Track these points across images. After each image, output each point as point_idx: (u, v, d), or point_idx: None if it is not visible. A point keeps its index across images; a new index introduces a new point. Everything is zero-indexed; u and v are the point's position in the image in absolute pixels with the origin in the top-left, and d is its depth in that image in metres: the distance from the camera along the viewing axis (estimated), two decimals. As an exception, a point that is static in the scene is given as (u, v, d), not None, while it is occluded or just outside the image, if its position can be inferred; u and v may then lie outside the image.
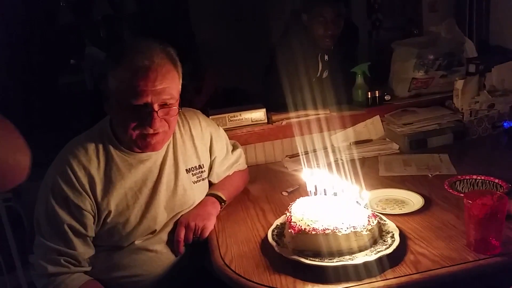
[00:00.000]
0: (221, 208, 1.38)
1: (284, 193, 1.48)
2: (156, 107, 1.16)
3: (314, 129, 1.81)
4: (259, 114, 1.83)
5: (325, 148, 1.81)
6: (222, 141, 1.47)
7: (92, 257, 1.23)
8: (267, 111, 1.84)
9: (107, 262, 1.25)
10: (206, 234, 1.27)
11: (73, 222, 1.17)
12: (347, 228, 1.01)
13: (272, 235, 1.14)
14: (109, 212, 1.21)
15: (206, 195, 1.39)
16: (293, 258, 1.01)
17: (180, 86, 1.24)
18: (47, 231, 1.17)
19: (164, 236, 1.28)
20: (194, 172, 1.36)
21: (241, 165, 1.55)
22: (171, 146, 1.33)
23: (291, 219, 1.08)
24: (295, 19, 2.16)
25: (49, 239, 1.17)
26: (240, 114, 1.81)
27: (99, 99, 1.26)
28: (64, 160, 1.20)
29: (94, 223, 1.21)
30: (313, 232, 1.01)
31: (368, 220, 1.05)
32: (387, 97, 1.91)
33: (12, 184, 0.50)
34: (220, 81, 2.62)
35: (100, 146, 1.24)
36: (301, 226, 1.04)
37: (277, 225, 1.19)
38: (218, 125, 1.53)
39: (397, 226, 1.11)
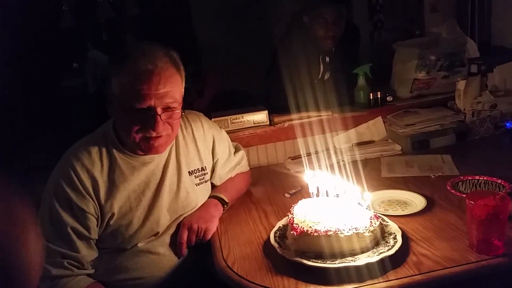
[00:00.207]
0: (223, 210, 1.38)
1: (287, 195, 1.48)
2: (159, 110, 1.17)
3: (316, 131, 1.81)
4: (261, 116, 1.83)
5: (327, 150, 1.81)
6: (224, 143, 1.48)
7: (95, 259, 1.24)
8: (269, 113, 1.84)
9: (110, 264, 1.25)
10: (209, 236, 1.27)
11: (77, 225, 1.18)
12: (349, 229, 1.01)
13: (274, 237, 1.14)
14: (113, 214, 1.21)
15: (209, 197, 1.40)
16: (295, 260, 1.01)
17: (183, 90, 1.25)
18: (50, 233, 1.18)
19: (167, 238, 1.29)
20: (196, 175, 1.37)
21: (244, 167, 1.56)
22: (173, 148, 1.33)
23: (293, 221, 1.08)
24: (296, 21, 2.16)
25: (53, 241, 1.17)
26: (242, 116, 1.81)
27: (101, 102, 1.27)
28: (68, 163, 1.21)
29: (97, 226, 1.21)
30: (315, 234, 1.02)
31: (370, 222, 1.05)
32: (389, 98, 1.91)
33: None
34: (222, 84, 2.63)
35: (103, 149, 1.24)
36: (303, 227, 1.04)
37: (280, 226, 1.19)
38: (220, 127, 1.54)
39: (400, 227, 1.11)
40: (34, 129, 2.63)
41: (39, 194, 1.24)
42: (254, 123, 1.83)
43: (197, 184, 1.36)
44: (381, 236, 1.08)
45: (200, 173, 1.37)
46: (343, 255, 1.00)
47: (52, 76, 3.10)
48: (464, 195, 1.22)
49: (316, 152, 1.80)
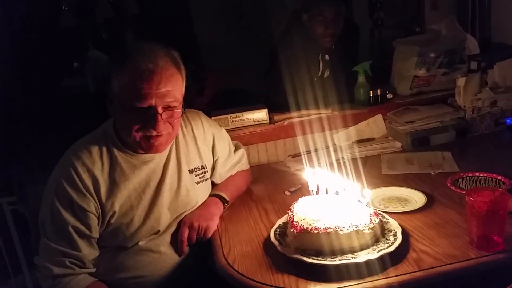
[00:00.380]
0: (224, 208, 1.39)
1: (287, 193, 1.48)
2: (160, 109, 1.17)
3: (316, 129, 1.81)
4: (261, 115, 1.84)
5: (327, 147, 1.81)
6: (224, 142, 1.48)
7: (96, 258, 1.24)
8: (269, 111, 1.84)
9: (112, 263, 1.26)
10: (210, 234, 1.28)
11: (78, 224, 1.18)
12: (349, 226, 1.01)
13: (275, 234, 1.14)
14: (114, 213, 1.22)
15: (209, 196, 1.40)
16: (296, 257, 1.02)
17: (183, 89, 1.25)
18: (51, 233, 1.19)
19: (167, 237, 1.29)
20: (197, 173, 1.37)
21: (244, 165, 1.56)
22: (173, 147, 1.34)
23: (293, 219, 1.09)
24: (295, 19, 2.17)
25: (54, 240, 1.18)
26: (242, 115, 1.81)
27: (101, 102, 1.27)
28: (68, 162, 1.21)
29: (98, 225, 1.22)
30: (315, 231, 1.02)
31: (370, 219, 1.05)
32: (389, 96, 1.91)
33: None
34: (221, 82, 2.63)
35: (104, 148, 1.25)
36: (303, 225, 1.04)
37: (280, 224, 1.19)
38: (220, 126, 1.54)
39: (400, 224, 1.12)
40: (35, 129, 2.64)
41: (39, 194, 1.24)
42: (254, 122, 1.83)
43: (198, 183, 1.36)
44: (381, 233, 1.08)
45: (200, 171, 1.38)
46: (343, 252, 1.00)
47: (53, 76, 3.10)
48: (464, 192, 1.23)
49: (316, 150, 1.80)
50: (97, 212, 1.21)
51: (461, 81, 1.78)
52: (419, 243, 1.07)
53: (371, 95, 1.88)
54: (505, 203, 0.98)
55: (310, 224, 1.04)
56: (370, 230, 1.03)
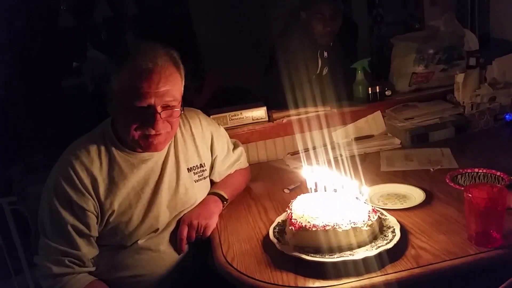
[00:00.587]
0: (223, 206, 1.39)
1: (286, 191, 1.48)
2: (159, 109, 1.17)
3: (315, 126, 1.81)
4: (260, 113, 1.84)
5: (326, 145, 1.81)
6: (223, 140, 1.48)
7: (96, 257, 1.24)
8: (267, 109, 1.84)
9: (111, 262, 1.26)
10: (209, 232, 1.28)
11: (77, 223, 1.18)
12: (347, 224, 1.01)
13: (274, 232, 1.14)
14: (112, 212, 1.22)
15: (208, 194, 1.40)
16: (294, 255, 1.02)
17: (182, 88, 1.25)
18: (51, 232, 1.19)
19: (167, 235, 1.30)
20: (195, 171, 1.37)
21: (243, 163, 1.56)
22: (172, 145, 1.34)
23: (292, 216, 1.09)
24: (294, 17, 2.16)
25: (53, 240, 1.18)
26: (241, 113, 1.81)
27: (100, 101, 1.27)
28: (67, 161, 1.21)
29: (97, 223, 1.22)
30: (314, 229, 1.02)
31: (369, 216, 1.05)
32: (387, 93, 1.91)
33: None
34: (220, 81, 2.63)
35: (102, 147, 1.25)
36: (301, 223, 1.05)
37: (279, 222, 1.20)
38: (219, 124, 1.54)
39: (398, 221, 1.12)
40: (34, 128, 2.64)
41: (39, 194, 1.24)
42: (253, 120, 1.83)
43: (196, 181, 1.36)
44: (379, 230, 1.08)
45: (199, 169, 1.38)
46: (341, 250, 1.00)
47: (52, 76, 3.11)
48: (463, 188, 1.22)
49: (315, 148, 1.80)
50: (96, 211, 1.21)
51: (459, 77, 1.78)
52: (418, 240, 1.07)
53: (370, 92, 1.88)
54: (504, 199, 0.98)
55: (309, 222, 1.04)
56: (368, 227, 1.03)
